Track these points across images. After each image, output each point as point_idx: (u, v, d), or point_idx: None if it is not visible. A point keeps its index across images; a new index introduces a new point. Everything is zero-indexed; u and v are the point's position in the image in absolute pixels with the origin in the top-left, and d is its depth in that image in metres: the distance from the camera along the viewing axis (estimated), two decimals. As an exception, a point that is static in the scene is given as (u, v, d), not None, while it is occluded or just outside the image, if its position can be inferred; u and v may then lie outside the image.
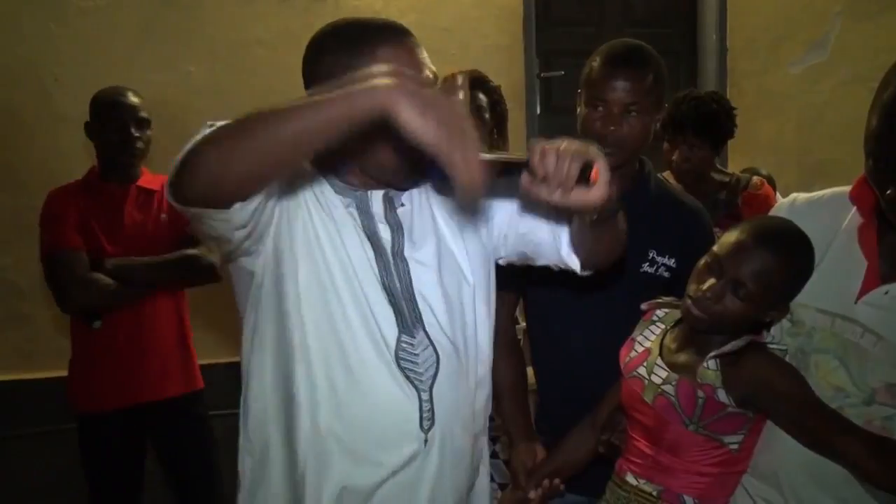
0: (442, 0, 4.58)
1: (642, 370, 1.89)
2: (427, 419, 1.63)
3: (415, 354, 1.64)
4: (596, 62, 2.16)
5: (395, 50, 1.57)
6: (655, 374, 1.85)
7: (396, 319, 1.63)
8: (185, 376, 3.17)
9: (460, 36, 4.47)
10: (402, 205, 1.72)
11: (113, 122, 3.05)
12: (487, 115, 3.58)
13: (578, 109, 2.21)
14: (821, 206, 1.82)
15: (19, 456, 3.86)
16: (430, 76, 1.60)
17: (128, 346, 3.05)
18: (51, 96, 3.99)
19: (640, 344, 1.95)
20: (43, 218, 3.06)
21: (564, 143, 1.34)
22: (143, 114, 3.10)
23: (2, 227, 3.96)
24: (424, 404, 1.63)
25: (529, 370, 2.40)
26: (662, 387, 1.81)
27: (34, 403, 3.84)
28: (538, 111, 5.01)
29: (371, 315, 1.62)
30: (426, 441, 1.64)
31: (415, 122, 1.20)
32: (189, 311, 3.26)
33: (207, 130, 1.36)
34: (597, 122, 2.14)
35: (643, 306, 2.01)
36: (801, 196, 1.87)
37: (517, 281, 2.24)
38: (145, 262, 3.01)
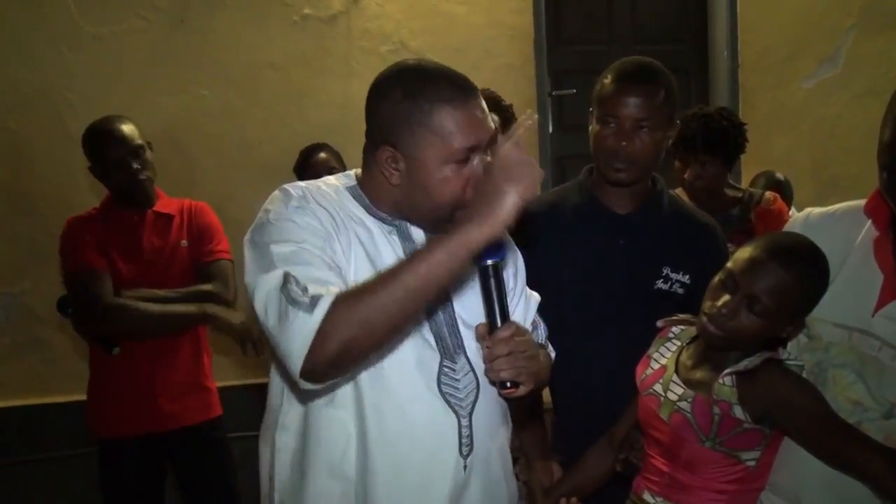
0: (453, 21, 4.60)
1: (658, 387, 1.88)
2: (466, 445, 1.65)
3: (456, 380, 1.66)
4: (607, 79, 2.18)
5: (453, 109, 1.59)
6: (671, 391, 1.84)
7: (438, 345, 1.66)
8: (204, 404, 3.15)
9: (472, 56, 4.49)
10: None
11: (110, 164, 2.99)
12: (500, 136, 3.59)
13: (590, 127, 2.22)
14: (836, 220, 1.82)
15: (37, 480, 3.85)
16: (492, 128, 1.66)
17: (147, 376, 3.03)
18: (65, 122, 4.00)
19: (656, 361, 1.94)
20: (63, 243, 3.04)
21: (525, 350, 1.61)
22: (138, 141, 3.03)
23: (18, 253, 3.98)
24: (464, 430, 1.65)
25: (545, 389, 2.39)
26: (678, 403, 1.80)
27: (51, 428, 3.85)
28: (550, 129, 5.01)
29: (413, 341, 1.64)
30: (465, 467, 1.65)
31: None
32: (207, 337, 3.25)
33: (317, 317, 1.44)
34: (608, 138, 2.15)
35: (659, 323, 2.00)
36: (816, 210, 1.87)
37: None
38: (161, 299, 2.99)
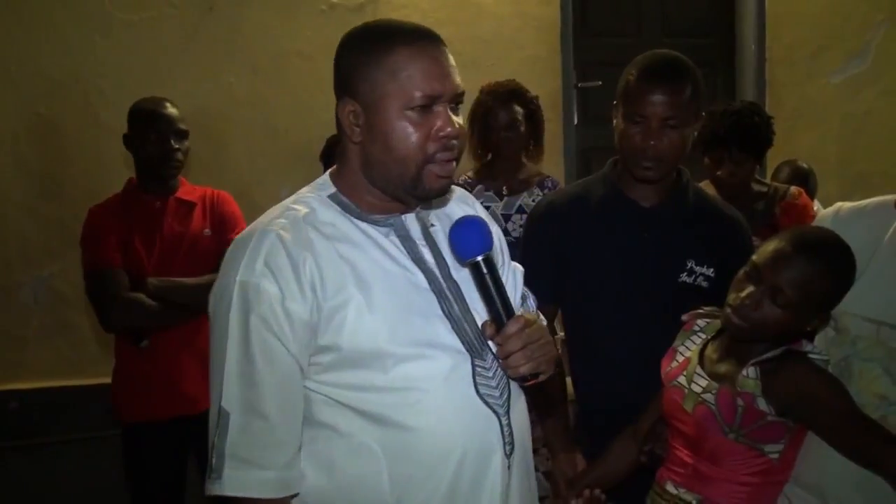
0: (480, 11, 4.60)
1: (682, 379, 1.89)
2: (508, 444, 1.56)
3: (489, 378, 1.55)
4: (632, 76, 2.14)
5: (412, 52, 1.47)
6: (695, 383, 1.85)
7: (465, 345, 1.55)
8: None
9: (498, 47, 4.49)
10: (433, 225, 1.65)
11: (152, 135, 3.03)
12: (523, 128, 3.59)
13: (615, 122, 2.21)
14: (865, 214, 1.82)
15: (64, 461, 3.91)
16: (459, 87, 1.52)
17: (170, 360, 3.05)
18: (95, 108, 4.05)
19: (681, 354, 1.95)
20: (83, 236, 3.07)
21: (539, 339, 1.51)
22: (182, 125, 3.08)
23: (48, 237, 4.03)
24: (505, 429, 1.56)
25: (568, 380, 2.40)
26: (703, 395, 1.81)
27: (79, 410, 3.90)
28: (575, 121, 5.01)
29: (442, 346, 1.52)
30: (509, 467, 1.57)
31: None
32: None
33: None
34: (635, 137, 2.12)
35: (684, 317, 2.01)
36: (846, 205, 1.87)
37: (556, 292, 2.25)
38: (187, 284, 2.99)
